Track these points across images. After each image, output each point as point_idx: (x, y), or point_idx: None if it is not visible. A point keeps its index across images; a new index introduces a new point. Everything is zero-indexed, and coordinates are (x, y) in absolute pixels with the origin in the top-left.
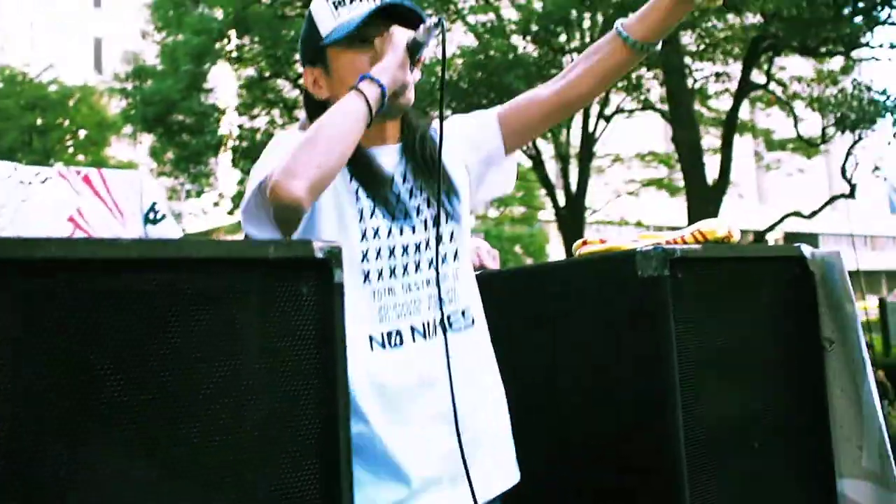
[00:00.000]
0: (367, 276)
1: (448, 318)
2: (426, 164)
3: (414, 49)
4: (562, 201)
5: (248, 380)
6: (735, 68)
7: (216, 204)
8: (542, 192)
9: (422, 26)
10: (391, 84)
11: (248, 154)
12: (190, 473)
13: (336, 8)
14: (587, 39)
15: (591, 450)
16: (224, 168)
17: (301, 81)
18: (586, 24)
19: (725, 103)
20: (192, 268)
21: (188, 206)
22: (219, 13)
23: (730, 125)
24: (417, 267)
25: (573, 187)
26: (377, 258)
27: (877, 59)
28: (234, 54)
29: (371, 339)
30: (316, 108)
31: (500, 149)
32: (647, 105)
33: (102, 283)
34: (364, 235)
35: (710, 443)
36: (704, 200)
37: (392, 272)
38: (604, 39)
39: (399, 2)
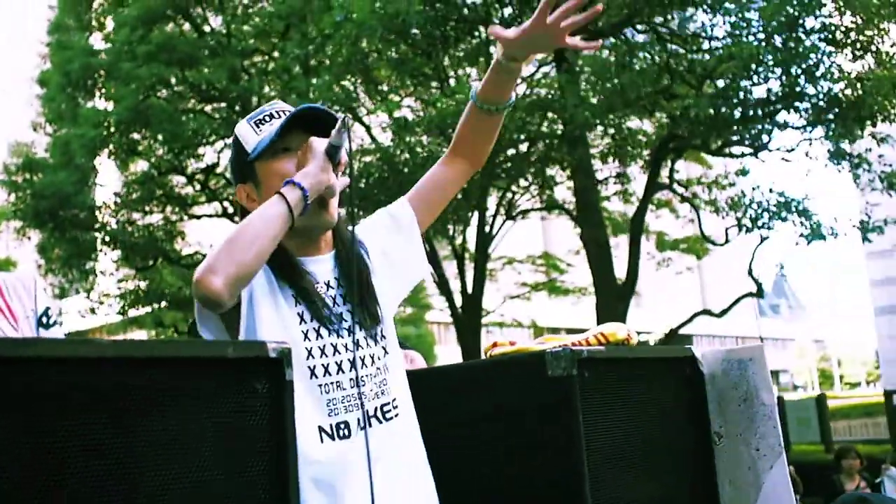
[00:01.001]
0: (313, 372)
1: (381, 408)
2: (353, 273)
3: (332, 152)
4: (458, 301)
5: (205, 471)
6: (634, 169)
7: (101, 302)
8: (431, 292)
9: (333, 130)
10: (314, 187)
11: (139, 251)
12: None
13: (258, 126)
14: None
15: None
16: (107, 265)
17: (198, 177)
18: None
19: (616, 205)
20: (163, 366)
21: (70, 303)
22: (112, 107)
23: (637, 225)
24: (363, 362)
25: (469, 287)
26: (322, 355)
27: (786, 161)
28: (127, 147)
29: (321, 430)
30: None
31: (416, 232)
32: (551, 205)
33: (79, 380)
34: (306, 336)
35: None
36: (613, 298)
37: (339, 367)
38: (467, 109)
39: (312, 107)
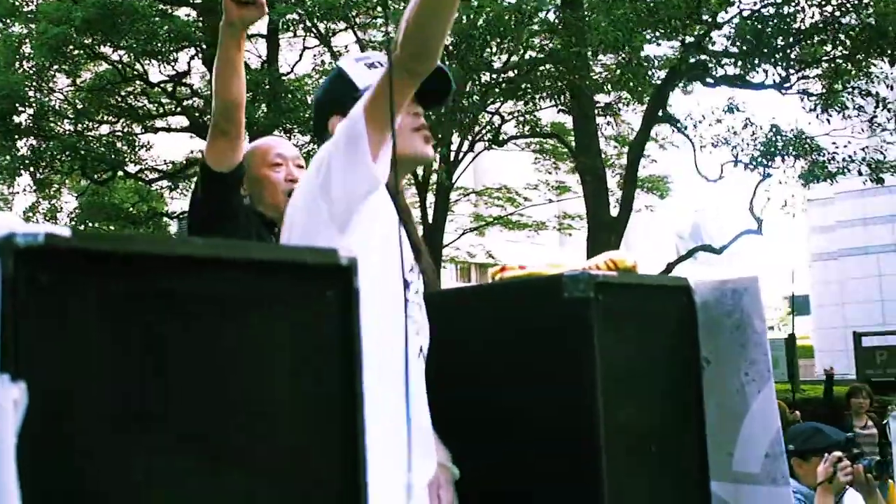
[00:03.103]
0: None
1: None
2: None
3: None
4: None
5: (277, 372)
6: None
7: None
8: None
9: None
10: None
11: (90, 164)
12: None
13: (369, 68)
14: None
15: (530, 446)
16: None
17: (164, 86)
18: None
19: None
20: (241, 269)
21: (10, 219)
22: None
23: (636, 154)
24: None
25: (429, 219)
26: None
27: (810, 95)
28: (89, 50)
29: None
30: None
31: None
32: (535, 132)
33: (164, 283)
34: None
35: (621, 443)
36: (607, 231)
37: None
38: None
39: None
